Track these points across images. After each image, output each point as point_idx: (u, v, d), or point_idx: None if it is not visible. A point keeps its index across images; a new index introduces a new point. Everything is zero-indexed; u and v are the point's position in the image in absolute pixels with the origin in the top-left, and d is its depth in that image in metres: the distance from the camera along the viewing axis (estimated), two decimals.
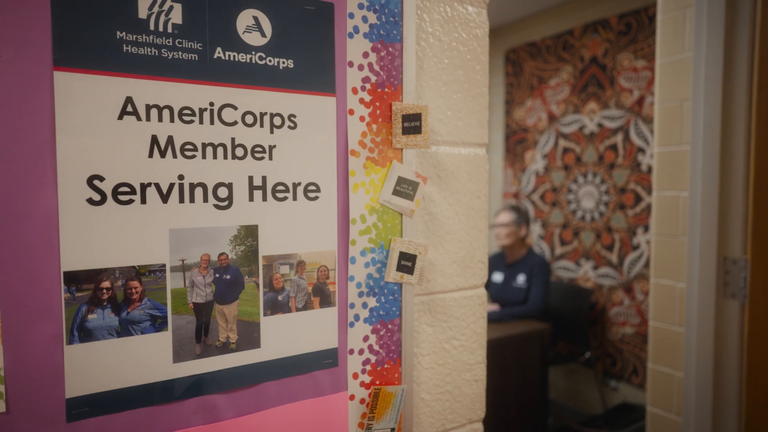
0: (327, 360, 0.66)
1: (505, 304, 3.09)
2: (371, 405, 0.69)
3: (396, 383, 0.71)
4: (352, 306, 0.67)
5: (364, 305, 0.68)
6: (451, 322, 0.78)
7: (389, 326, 0.71)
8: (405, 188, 0.69)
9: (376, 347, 0.69)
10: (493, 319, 2.77)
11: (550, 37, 3.61)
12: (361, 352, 0.68)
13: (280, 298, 0.62)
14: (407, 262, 0.69)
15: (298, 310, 0.63)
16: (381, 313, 0.70)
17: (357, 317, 0.68)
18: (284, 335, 0.62)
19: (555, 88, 3.59)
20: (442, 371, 0.78)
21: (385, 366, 0.70)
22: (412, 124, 0.68)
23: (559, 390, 3.65)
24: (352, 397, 0.68)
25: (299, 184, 0.63)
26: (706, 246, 1.55)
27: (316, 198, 0.64)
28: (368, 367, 0.69)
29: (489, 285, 3.26)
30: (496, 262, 3.30)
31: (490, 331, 2.57)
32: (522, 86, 3.86)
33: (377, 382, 0.70)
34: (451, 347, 0.79)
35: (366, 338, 0.69)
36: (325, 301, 0.65)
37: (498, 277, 3.21)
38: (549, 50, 3.62)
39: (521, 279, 3.08)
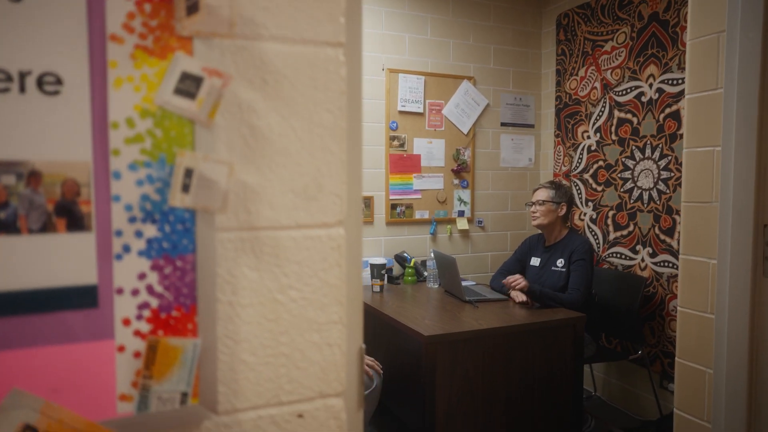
0: (82, 299, 0.52)
1: None
2: (147, 360, 0.54)
3: (191, 335, 0.57)
4: (120, 233, 0.53)
5: (139, 234, 0.54)
6: (287, 267, 0.62)
7: (178, 263, 0.56)
8: (190, 87, 0.54)
9: (158, 288, 0.55)
10: (534, 294, 2.56)
11: None
12: (135, 292, 0.54)
13: (1, 215, 0.49)
14: (189, 181, 0.54)
15: (31, 232, 0.50)
16: (165, 245, 0.55)
17: (127, 248, 0.54)
18: (9, 263, 0.50)
19: (610, 52, 3.20)
20: (274, 329, 0.62)
21: (173, 313, 0.56)
22: (193, 1, 0.53)
23: (612, 391, 3.28)
24: (121, 348, 0.54)
25: (29, 73, 0.50)
26: (741, 211, 1.24)
27: (56, 92, 0.50)
28: (147, 313, 0.55)
29: (525, 269, 2.98)
30: (535, 244, 3.01)
31: (507, 318, 2.32)
32: (575, 54, 3.50)
33: (160, 332, 0.55)
34: (287, 299, 0.62)
35: (143, 276, 0.55)
36: (76, 224, 0.52)
37: (536, 261, 2.92)
38: (604, 11, 3.23)
39: (560, 262, 2.78)
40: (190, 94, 0.54)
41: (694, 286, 1.43)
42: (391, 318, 2.30)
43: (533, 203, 2.88)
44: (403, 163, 3.42)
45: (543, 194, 2.85)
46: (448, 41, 3.53)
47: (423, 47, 3.45)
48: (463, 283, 3.09)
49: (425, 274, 3.17)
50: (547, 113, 3.80)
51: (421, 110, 3.44)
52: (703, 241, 1.40)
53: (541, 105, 3.85)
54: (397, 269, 3.34)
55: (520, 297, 2.62)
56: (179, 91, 0.54)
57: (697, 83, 1.39)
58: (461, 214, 3.61)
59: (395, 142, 3.40)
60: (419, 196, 3.48)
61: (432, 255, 2.99)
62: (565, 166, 3.61)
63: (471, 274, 3.65)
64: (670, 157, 2.83)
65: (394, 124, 3.38)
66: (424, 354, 2.04)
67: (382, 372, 2.25)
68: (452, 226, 3.59)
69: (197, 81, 0.54)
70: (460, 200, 3.61)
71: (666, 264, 2.88)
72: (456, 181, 3.58)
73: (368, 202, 3.34)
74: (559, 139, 3.66)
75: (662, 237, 2.90)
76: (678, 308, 1.47)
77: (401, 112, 3.40)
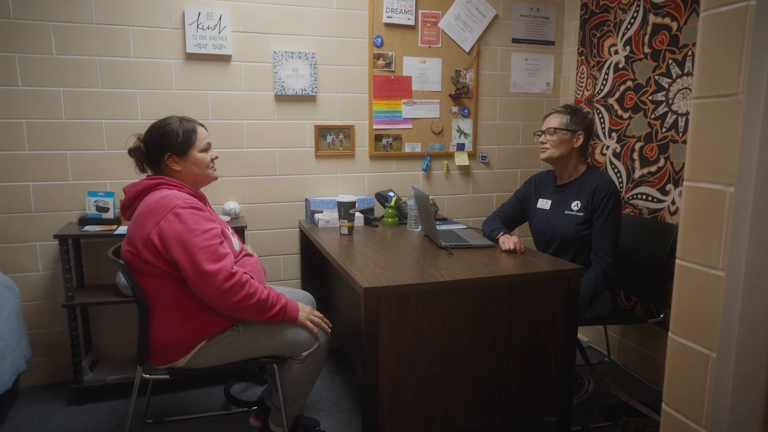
0: None
1: (552, 238, 2.32)
2: None
3: None
4: None
5: None
6: None
7: None
8: None
9: None
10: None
11: None
12: None
13: None
14: None
15: None
16: None
17: None
18: None
19: None
20: None
21: None
22: None
23: (628, 356, 2.82)
24: None
25: None
26: None
27: None
28: None
29: (530, 213, 2.50)
30: (543, 183, 2.50)
31: (481, 269, 1.88)
32: None
33: None
34: None
35: None
36: None
37: (545, 203, 2.42)
38: None
39: (575, 205, 2.27)
40: None
41: (701, 227, 0.94)
42: (339, 265, 1.91)
43: (542, 132, 2.35)
44: (391, 86, 2.92)
45: (555, 120, 2.31)
46: None
47: None
48: (452, 227, 2.65)
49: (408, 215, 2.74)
50: (571, 27, 3.15)
51: (412, 23, 2.89)
52: (720, 158, 0.91)
53: (564, 17, 3.20)
54: (380, 210, 2.92)
55: (508, 244, 2.16)
56: None
57: None
58: (461, 147, 3.10)
59: (380, 62, 2.89)
60: (410, 126, 2.99)
61: (413, 193, 2.55)
62: (587, 90, 3.01)
63: (471, 217, 3.19)
64: None
65: (379, 40, 2.86)
66: (365, 309, 1.65)
67: (330, 330, 1.89)
68: (450, 162, 3.10)
69: None
70: (460, 131, 3.09)
71: None
72: (455, 109, 3.06)
73: (348, 132, 2.89)
74: (583, 57, 3.03)
75: None
76: (676, 261, 1.00)
77: (388, 25, 2.87)
